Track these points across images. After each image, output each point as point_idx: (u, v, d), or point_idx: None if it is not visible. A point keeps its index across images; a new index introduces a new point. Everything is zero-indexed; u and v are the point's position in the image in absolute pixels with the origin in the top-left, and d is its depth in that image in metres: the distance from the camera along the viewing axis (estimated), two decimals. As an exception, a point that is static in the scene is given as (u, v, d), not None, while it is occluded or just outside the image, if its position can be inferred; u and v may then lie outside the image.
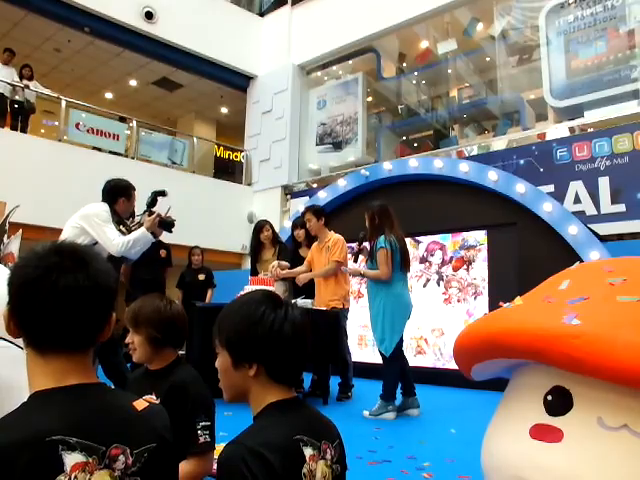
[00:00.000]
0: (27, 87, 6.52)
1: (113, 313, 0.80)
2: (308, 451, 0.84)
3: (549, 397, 0.83)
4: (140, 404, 0.78)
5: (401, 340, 3.13)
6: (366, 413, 3.14)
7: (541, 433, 0.81)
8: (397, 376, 3.15)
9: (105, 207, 2.84)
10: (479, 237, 5.02)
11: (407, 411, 3.20)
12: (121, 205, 2.91)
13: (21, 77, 6.58)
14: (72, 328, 0.73)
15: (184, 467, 1.26)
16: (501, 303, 1.01)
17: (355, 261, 3.41)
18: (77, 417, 0.68)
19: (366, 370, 4.79)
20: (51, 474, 0.63)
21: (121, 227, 2.89)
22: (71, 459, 0.64)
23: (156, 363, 1.45)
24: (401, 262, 3.14)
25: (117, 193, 2.91)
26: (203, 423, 1.33)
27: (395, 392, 3.15)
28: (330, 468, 0.88)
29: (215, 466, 1.88)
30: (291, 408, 0.89)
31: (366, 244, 3.29)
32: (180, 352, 1.50)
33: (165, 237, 4.45)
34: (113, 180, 2.96)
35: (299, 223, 4.20)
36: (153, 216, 2.89)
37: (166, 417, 0.82)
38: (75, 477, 0.64)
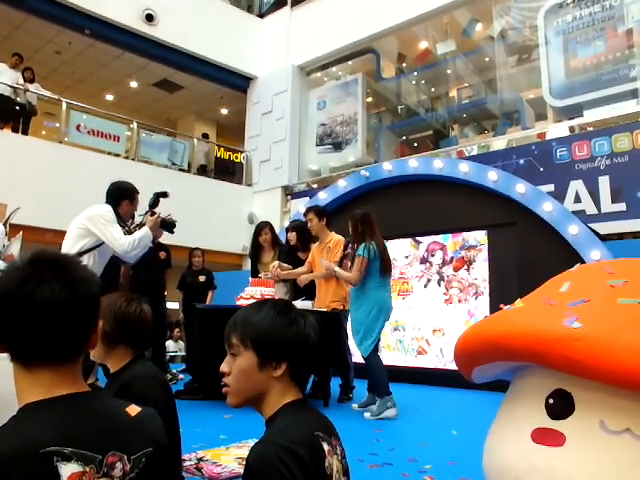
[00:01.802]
0: (27, 90, 6.53)
1: (99, 321, 0.78)
2: (325, 446, 0.87)
3: (550, 400, 0.83)
4: (133, 410, 0.77)
5: (378, 340, 3.29)
6: (367, 415, 3.14)
7: (543, 437, 0.80)
8: (383, 368, 3.23)
9: (109, 208, 2.86)
10: (479, 237, 5.01)
11: (370, 406, 3.25)
12: (124, 207, 2.94)
13: (23, 80, 6.60)
14: (54, 340, 0.71)
15: None
16: (502, 305, 1.01)
17: (340, 265, 3.53)
18: (70, 427, 0.68)
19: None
20: None
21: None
22: (67, 470, 0.64)
23: (112, 363, 1.38)
24: (381, 268, 3.27)
25: (120, 195, 2.94)
26: None
27: (388, 385, 3.19)
28: (341, 463, 0.92)
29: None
30: (305, 407, 0.94)
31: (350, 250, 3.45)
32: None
33: (165, 238, 4.47)
34: (117, 182, 2.99)
35: (291, 226, 4.21)
36: (155, 216, 2.93)
37: (159, 421, 0.82)
38: None
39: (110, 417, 0.74)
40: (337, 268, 3.40)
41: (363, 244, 3.25)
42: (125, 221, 2.98)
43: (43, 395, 0.70)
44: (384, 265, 3.29)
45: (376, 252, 3.24)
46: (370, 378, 3.33)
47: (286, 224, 6.47)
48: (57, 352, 0.72)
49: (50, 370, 0.71)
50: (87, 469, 0.66)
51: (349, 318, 3.46)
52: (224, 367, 0.92)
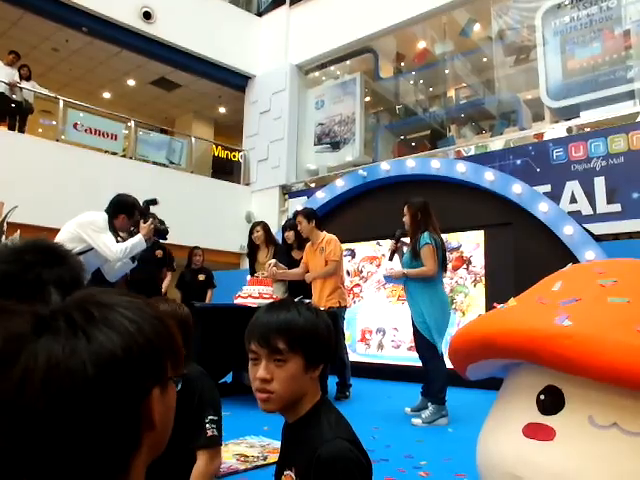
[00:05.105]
0: (20, 86, 6.48)
1: None
2: None
3: (542, 396, 0.85)
4: None
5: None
6: (418, 421, 2.94)
7: (534, 431, 0.83)
8: (446, 377, 2.99)
9: (103, 216, 2.84)
10: (476, 237, 5.04)
11: (423, 411, 3.13)
12: (121, 221, 2.90)
13: (19, 77, 6.58)
14: None
15: (197, 467, 1.28)
16: (495, 304, 1.03)
17: (390, 259, 3.31)
18: None
19: (363, 370, 4.81)
20: None
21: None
22: None
23: None
24: (442, 262, 3.09)
25: (121, 209, 2.90)
26: (211, 417, 1.34)
27: (445, 394, 3.03)
28: None
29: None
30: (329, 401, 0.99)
31: (404, 240, 3.21)
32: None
33: (163, 237, 4.48)
34: (121, 195, 2.97)
35: (288, 225, 4.23)
36: (148, 222, 2.90)
37: None
38: None
39: None
40: (405, 270, 3.11)
41: (426, 233, 3.03)
42: (118, 233, 2.94)
43: None
44: (444, 259, 3.11)
45: (440, 243, 3.07)
46: (428, 382, 3.10)
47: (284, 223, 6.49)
48: None
49: None
50: None
51: (345, 316, 3.33)
52: (264, 374, 0.87)
